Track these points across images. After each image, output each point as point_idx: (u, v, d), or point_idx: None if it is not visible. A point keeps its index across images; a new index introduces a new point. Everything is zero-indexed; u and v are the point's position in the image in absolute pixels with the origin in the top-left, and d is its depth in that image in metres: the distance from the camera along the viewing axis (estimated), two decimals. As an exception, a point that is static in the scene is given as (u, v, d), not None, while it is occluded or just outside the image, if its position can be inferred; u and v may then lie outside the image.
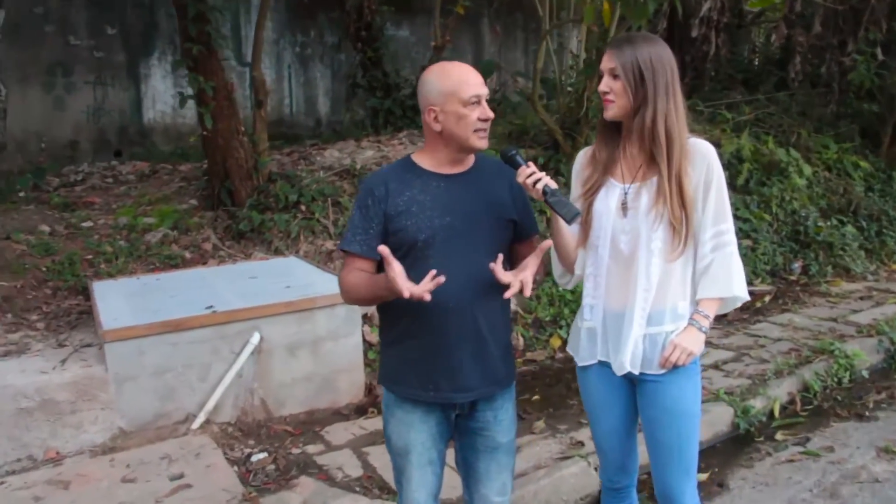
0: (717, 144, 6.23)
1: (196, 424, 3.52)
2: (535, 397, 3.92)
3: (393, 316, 2.00)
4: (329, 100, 9.47)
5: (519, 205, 2.02)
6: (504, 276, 1.82)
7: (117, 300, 3.88)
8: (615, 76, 1.91)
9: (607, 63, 1.93)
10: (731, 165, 6.24)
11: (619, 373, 1.97)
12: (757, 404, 3.67)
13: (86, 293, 4.30)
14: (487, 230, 1.95)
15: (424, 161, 1.99)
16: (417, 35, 9.88)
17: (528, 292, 1.82)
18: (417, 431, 2.00)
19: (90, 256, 4.86)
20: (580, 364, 2.08)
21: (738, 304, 2.02)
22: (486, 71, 8.10)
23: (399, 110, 7.93)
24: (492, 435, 2.04)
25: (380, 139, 6.90)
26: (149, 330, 3.40)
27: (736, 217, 6.06)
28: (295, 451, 3.39)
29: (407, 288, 1.74)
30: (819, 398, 3.93)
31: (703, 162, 1.93)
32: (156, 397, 3.47)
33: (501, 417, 2.04)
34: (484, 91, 1.91)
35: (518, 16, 10.79)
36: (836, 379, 4.07)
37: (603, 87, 1.94)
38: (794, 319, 4.97)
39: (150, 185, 6.49)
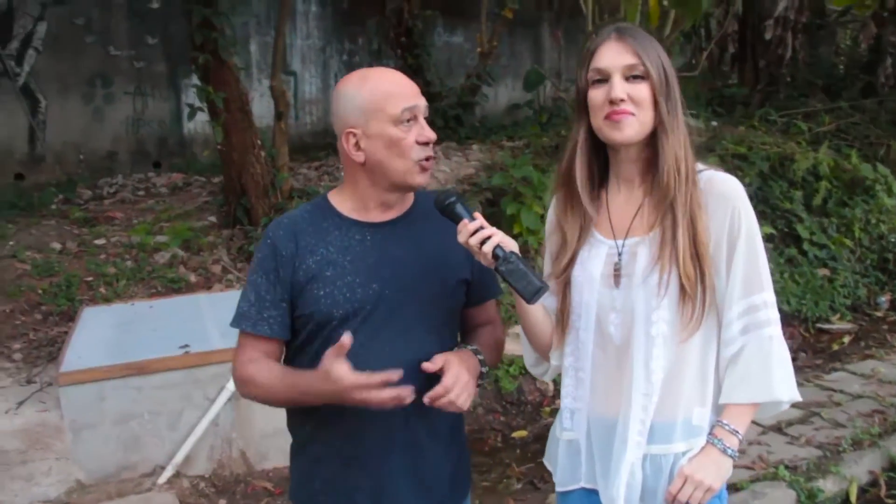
0: (790, 159, 5.58)
1: (163, 479, 3.12)
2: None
3: (298, 412, 1.50)
4: (377, 110, 9.16)
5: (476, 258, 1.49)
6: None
7: (99, 331, 3.55)
8: (639, 76, 1.31)
9: (624, 57, 1.31)
10: (807, 183, 5.49)
11: None
12: (828, 486, 2.97)
13: (77, 320, 4.00)
14: (431, 299, 1.43)
15: (344, 204, 1.48)
16: (472, 42, 9.44)
17: None
18: None
19: (91, 278, 4.57)
20: (559, 489, 1.49)
21: (782, 409, 1.39)
22: (534, 81, 7.49)
23: (440, 121, 7.42)
24: (437, 569, 1.51)
25: (414, 152, 6.43)
26: (109, 373, 3.03)
27: (811, 243, 5.30)
28: (267, 517, 2.95)
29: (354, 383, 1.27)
30: (909, 480, 3.19)
31: (726, 207, 1.32)
32: (119, 447, 3.10)
33: None
34: (421, 102, 1.39)
35: (580, 20, 10.20)
36: (931, 455, 3.31)
37: (619, 92, 1.29)
38: (879, 369, 4.18)
39: (178, 199, 6.24)
